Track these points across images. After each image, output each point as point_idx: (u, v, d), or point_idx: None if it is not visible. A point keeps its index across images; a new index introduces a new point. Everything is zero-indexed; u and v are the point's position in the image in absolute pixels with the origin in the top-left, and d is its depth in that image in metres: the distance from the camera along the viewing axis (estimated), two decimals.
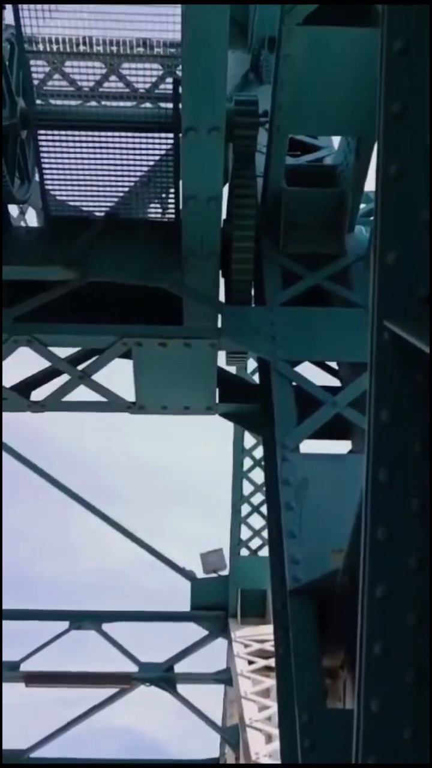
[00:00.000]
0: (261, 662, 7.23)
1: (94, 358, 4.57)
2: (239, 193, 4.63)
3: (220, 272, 4.73)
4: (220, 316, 4.56)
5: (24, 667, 8.53)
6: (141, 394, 4.59)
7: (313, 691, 2.92)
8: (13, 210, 5.35)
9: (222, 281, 4.86)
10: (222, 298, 4.76)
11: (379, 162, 1.88)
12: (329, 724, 2.79)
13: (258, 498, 8.80)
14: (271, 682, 6.72)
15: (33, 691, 9.08)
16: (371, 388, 1.93)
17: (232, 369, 5.57)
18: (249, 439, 8.71)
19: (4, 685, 8.71)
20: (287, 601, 3.23)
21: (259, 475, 8.81)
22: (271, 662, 7.34)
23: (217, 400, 4.68)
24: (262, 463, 8.74)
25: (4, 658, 8.51)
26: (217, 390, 4.73)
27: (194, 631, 9.04)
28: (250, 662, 7.32)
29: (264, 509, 8.85)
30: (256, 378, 5.54)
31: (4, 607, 8.90)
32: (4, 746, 10.70)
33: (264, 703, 6.32)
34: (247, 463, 8.78)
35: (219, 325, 4.53)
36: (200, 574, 8.93)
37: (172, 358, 4.39)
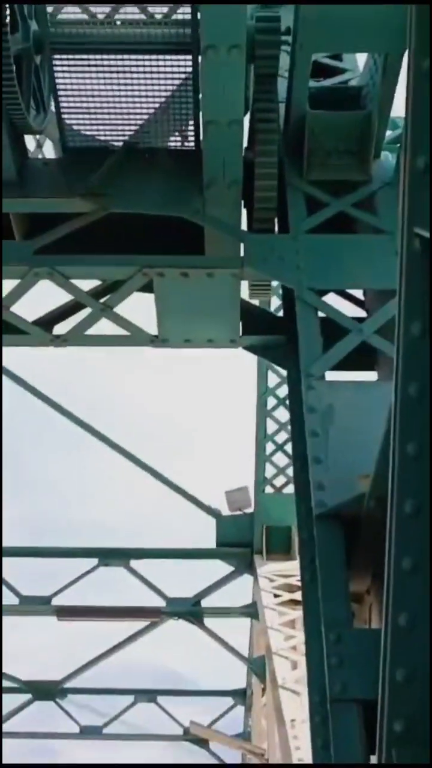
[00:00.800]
0: (286, 596, 7.35)
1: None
2: (262, 117, 4.47)
3: (242, 201, 4.61)
4: (242, 246, 4.45)
5: (55, 602, 8.77)
6: (163, 327, 4.53)
7: (340, 613, 2.94)
8: (30, 142, 5.24)
9: (244, 210, 4.74)
10: (244, 227, 4.65)
11: (410, 60, 1.77)
12: (356, 642, 2.82)
13: (282, 436, 8.81)
14: (296, 614, 6.84)
15: (66, 625, 9.36)
16: (401, 300, 1.86)
17: (255, 302, 5.48)
18: (272, 378, 8.68)
19: (38, 618, 9.00)
20: (313, 526, 3.23)
21: (282, 414, 8.80)
22: (296, 596, 7.46)
23: (240, 333, 4.61)
24: (286, 401, 8.75)
25: (37, 593, 8.77)
26: (241, 323, 4.66)
27: (220, 568, 9.21)
28: (276, 596, 7.44)
29: (288, 448, 8.87)
30: (279, 314, 5.49)
31: (36, 544, 9.14)
32: (40, 677, 11.15)
33: (290, 633, 6.45)
34: (271, 402, 8.77)
35: (242, 254, 4.43)
36: (225, 512, 9.03)
37: (195, 290, 4.32)
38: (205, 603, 8.95)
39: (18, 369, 8.36)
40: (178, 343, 4.62)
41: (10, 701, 11.63)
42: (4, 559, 8.92)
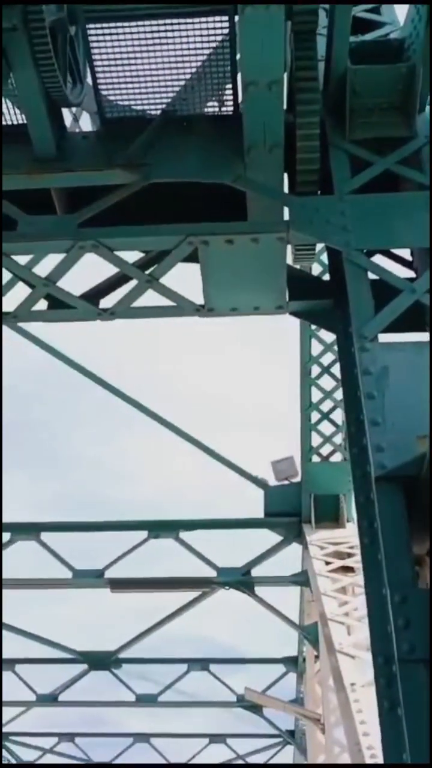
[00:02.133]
0: (337, 562, 7.35)
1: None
2: (301, 76, 4.37)
3: (284, 164, 4.52)
4: (286, 210, 4.38)
5: (108, 575, 8.91)
6: (209, 296, 4.50)
7: (404, 573, 2.92)
8: (67, 117, 5.21)
9: (286, 174, 4.65)
10: (287, 191, 4.57)
11: None
12: (422, 603, 2.80)
13: (327, 405, 8.75)
14: (348, 580, 6.85)
15: (119, 597, 9.50)
16: None
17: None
18: (316, 346, 8.61)
19: (93, 591, 9.16)
20: (371, 490, 3.20)
21: (327, 382, 8.73)
22: (347, 562, 7.46)
23: (287, 299, 4.55)
24: (330, 369, 8.68)
25: (89, 566, 8.92)
26: (287, 289, 4.60)
27: (269, 538, 9.24)
28: (327, 563, 7.45)
29: (333, 415, 8.81)
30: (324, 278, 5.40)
31: (88, 519, 9.27)
32: (95, 648, 11.40)
33: (343, 599, 6.47)
34: (315, 370, 8.70)
35: (286, 218, 4.36)
36: (272, 482, 9.03)
37: (240, 257, 4.26)
38: (255, 572, 9.00)
39: (65, 347, 8.42)
40: (224, 311, 4.59)
41: (67, 671, 11.95)
42: (58, 534, 9.10)
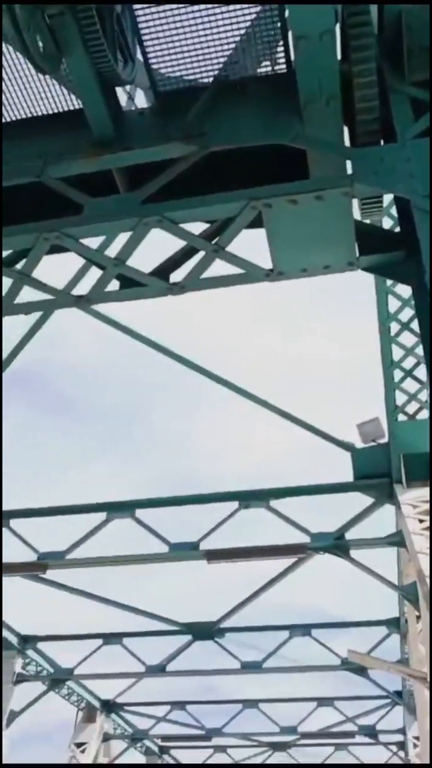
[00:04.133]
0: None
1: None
2: (354, 22, 4.23)
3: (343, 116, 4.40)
4: (349, 163, 4.28)
5: (203, 547, 9.06)
6: (278, 259, 4.46)
7: None
8: (121, 96, 5.24)
9: (345, 127, 4.53)
10: (347, 144, 4.46)
11: None
12: None
13: (410, 362, 8.53)
14: None
15: (216, 569, 9.67)
16: None
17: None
18: (393, 303, 8.39)
19: (190, 563, 9.35)
20: None
21: (407, 339, 8.51)
22: None
23: (357, 255, 4.46)
24: (410, 325, 8.45)
25: (185, 539, 9.10)
26: (357, 245, 4.51)
27: (360, 501, 9.15)
28: (420, 521, 7.31)
29: (417, 372, 8.59)
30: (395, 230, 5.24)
31: (180, 493, 9.44)
32: (197, 619, 11.68)
33: None
34: (394, 328, 8.48)
35: (349, 172, 4.26)
36: (359, 444, 8.91)
37: (305, 216, 4.20)
38: (349, 536, 8.95)
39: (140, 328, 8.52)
40: (294, 273, 4.54)
41: (172, 643, 12.32)
42: (152, 510, 9.30)
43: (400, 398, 8.62)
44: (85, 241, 4.71)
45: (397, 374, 8.61)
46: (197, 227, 4.71)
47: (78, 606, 11.08)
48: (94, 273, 4.99)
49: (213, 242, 4.48)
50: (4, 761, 11.85)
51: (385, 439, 8.75)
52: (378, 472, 8.74)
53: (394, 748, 16.69)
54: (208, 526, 9.28)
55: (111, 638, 12.53)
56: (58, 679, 13.21)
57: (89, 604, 10.79)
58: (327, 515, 9.47)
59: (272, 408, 8.73)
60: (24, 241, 4.61)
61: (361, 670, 12.35)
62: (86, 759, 14.61)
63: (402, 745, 16.38)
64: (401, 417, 8.69)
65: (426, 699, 8.65)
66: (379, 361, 8.65)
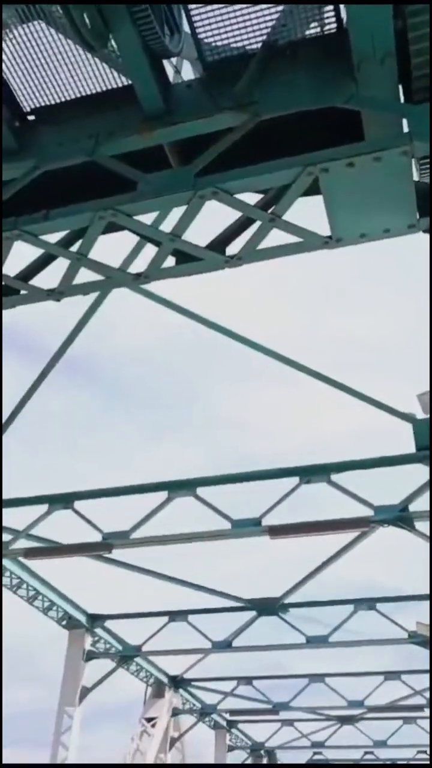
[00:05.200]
0: None
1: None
2: None
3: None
4: (406, 122, 4.15)
5: (265, 522, 9.06)
6: (336, 225, 4.37)
7: None
8: (169, 70, 5.19)
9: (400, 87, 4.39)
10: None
11: None
12: None
13: None
14: None
15: (280, 545, 9.66)
16: None
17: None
18: None
19: (254, 541, 9.37)
20: None
21: None
22: None
23: (417, 217, 4.34)
24: None
25: (247, 515, 9.12)
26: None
27: (422, 473, 8.99)
28: None
29: None
30: None
31: (237, 470, 9.45)
32: (262, 594, 11.73)
33: None
34: None
35: (405, 130, 4.13)
36: (420, 415, 8.74)
37: (363, 179, 4.10)
38: (413, 508, 8.82)
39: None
40: (353, 239, 4.44)
41: (236, 619, 12.41)
42: (213, 488, 9.33)
43: None
44: (140, 219, 4.70)
45: None
46: (252, 198, 4.66)
47: (143, 585, 11.27)
48: (149, 251, 4.99)
49: (269, 212, 4.41)
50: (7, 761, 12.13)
51: None
52: None
53: None
54: (270, 503, 9.27)
55: (177, 615, 12.70)
56: (126, 656, 13.49)
57: (154, 583, 10.96)
58: (390, 490, 9.36)
59: (330, 381, 8.60)
60: (79, 221, 4.63)
61: (427, 644, 12.24)
62: (156, 733, 14.92)
63: None
64: None
65: None
66: None
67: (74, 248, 4.84)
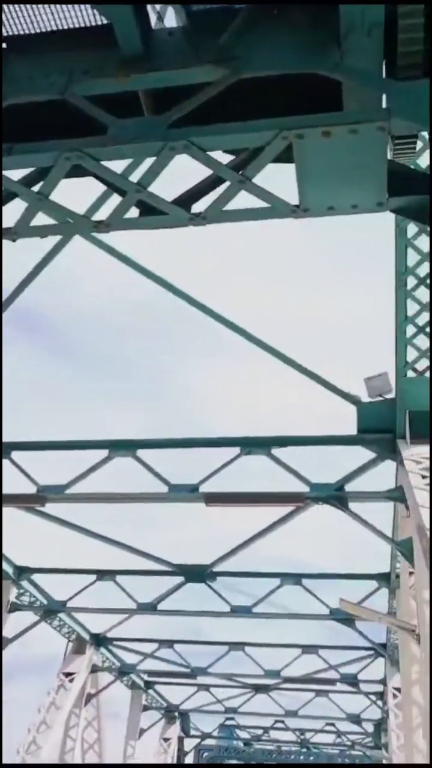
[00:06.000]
0: None
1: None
2: None
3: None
4: (385, 98, 4.10)
5: (203, 489, 9.09)
6: (305, 195, 4.32)
7: None
8: (152, 16, 5.02)
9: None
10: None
11: None
12: None
13: (424, 318, 8.41)
14: None
15: (214, 514, 9.73)
16: None
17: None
18: (412, 257, 8.23)
19: (190, 510, 9.40)
20: None
21: (423, 294, 8.38)
22: None
23: (387, 196, 4.32)
24: (427, 281, 8.31)
25: (186, 481, 9.13)
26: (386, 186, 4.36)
27: (362, 455, 9.15)
28: (423, 477, 7.32)
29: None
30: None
31: (180, 435, 9.44)
32: (191, 561, 11.81)
33: None
34: (411, 282, 8.34)
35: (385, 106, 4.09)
36: (366, 398, 8.86)
37: (338, 150, 4.05)
38: (349, 488, 8.98)
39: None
40: (320, 211, 4.40)
41: (164, 583, 12.50)
42: (154, 451, 9.30)
43: (411, 354, 8.53)
44: (107, 166, 4.56)
45: (410, 330, 8.50)
46: (224, 159, 4.56)
47: (74, 542, 11.22)
48: (114, 201, 4.86)
49: (239, 173, 4.33)
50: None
51: (392, 395, 8.69)
52: (382, 427, 8.71)
53: (373, 697, 17.17)
54: (210, 470, 9.29)
55: (105, 575, 12.72)
56: (50, 610, 13.46)
57: (85, 540, 10.91)
58: (328, 471, 9.50)
59: (280, 356, 8.64)
60: (44, 160, 4.46)
61: (348, 621, 12.57)
62: (74, 688, 15.00)
63: (381, 695, 16.84)
64: (410, 373, 8.60)
65: (413, 652, 8.81)
66: (393, 316, 8.54)
67: (35, 188, 4.67)
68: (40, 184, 4.71)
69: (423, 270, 8.25)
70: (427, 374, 8.57)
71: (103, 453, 9.37)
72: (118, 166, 4.74)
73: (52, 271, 7.97)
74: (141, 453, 9.32)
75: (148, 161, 4.40)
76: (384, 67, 4.31)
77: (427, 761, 8.33)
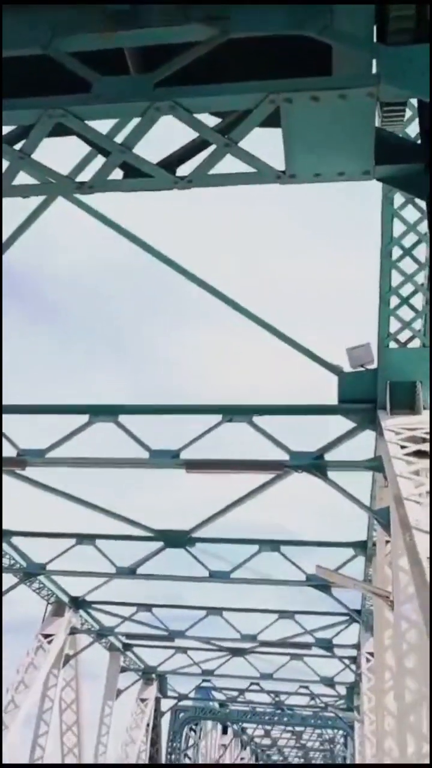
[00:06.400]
0: (412, 447, 7.27)
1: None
2: None
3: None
4: (375, 63, 4.04)
5: (184, 456, 9.12)
6: (291, 160, 4.27)
7: None
8: None
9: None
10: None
11: None
12: None
13: (408, 288, 8.41)
14: (423, 464, 6.79)
15: (194, 481, 9.76)
16: None
17: None
18: (398, 227, 8.20)
19: (169, 474, 9.43)
20: None
21: (408, 265, 8.37)
22: (423, 447, 7.38)
23: (374, 163, 4.28)
24: (413, 251, 8.30)
25: (166, 447, 9.15)
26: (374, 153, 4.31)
27: (342, 425, 9.20)
28: (402, 447, 7.39)
29: (414, 301, 8.50)
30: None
31: (162, 402, 9.43)
32: (172, 527, 11.90)
33: (419, 480, 6.44)
34: (396, 252, 8.32)
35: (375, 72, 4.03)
36: (347, 368, 8.89)
37: (326, 115, 3.99)
38: (328, 457, 9.05)
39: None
40: (306, 177, 4.35)
41: (144, 548, 12.61)
42: (135, 417, 9.29)
43: (394, 325, 8.55)
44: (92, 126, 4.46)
45: (394, 301, 8.50)
46: (210, 122, 4.49)
47: (54, 506, 11.25)
48: (99, 163, 4.77)
49: (225, 136, 4.27)
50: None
51: (373, 365, 8.72)
52: (363, 397, 8.75)
53: (347, 661, 17.55)
54: (192, 437, 9.30)
55: (84, 539, 12.80)
56: (30, 573, 13.55)
57: (65, 505, 10.95)
58: (308, 440, 9.56)
59: (263, 324, 8.62)
60: (26, 117, 4.36)
61: (324, 588, 12.79)
62: (52, 649, 15.18)
63: (354, 660, 17.21)
64: (392, 344, 8.64)
65: (386, 617, 8.99)
66: (377, 287, 8.53)
67: (17, 147, 4.57)
68: (23, 142, 4.62)
69: (408, 241, 8.23)
70: (410, 345, 8.61)
71: (84, 418, 9.35)
72: (102, 127, 4.65)
73: (34, 235, 7.87)
74: (123, 419, 9.31)
75: (134, 122, 4.32)
76: (375, 32, 4.25)
77: (396, 723, 8.56)
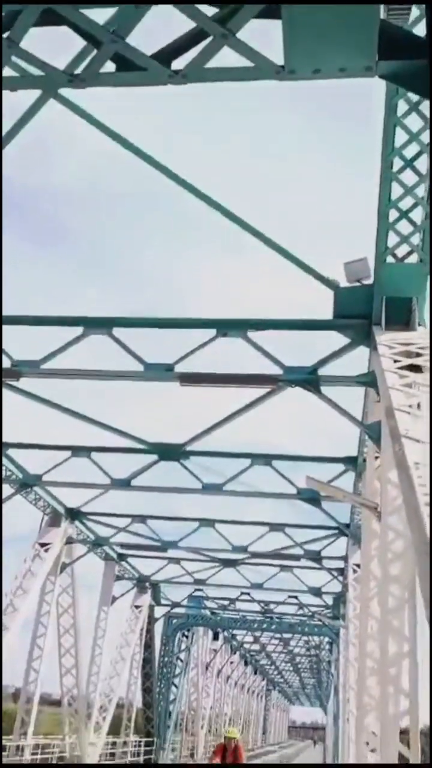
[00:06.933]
0: (406, 361, 7.28)
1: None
2: None
3: None
4: None
5: (178, 369, 9.13)
6: (291, 55, 4.08)
7: None
8: None
9: None
10: None
11: None
12: None
13: (408, 202, 8.21)
14: (416, 377, 6.82)
15: (189, 395, 9.81)
16: None
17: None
18: (400, 136, 7.94)
19: (164, 387, 9.47)
20: None
21: (409, 177, 8.15)
22: (417, 361, 7.39)
23: (376, 59, 4.10)
24: (414, 163, 8.06)
25: (160, 360, 9.16)
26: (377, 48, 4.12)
27: (337, 340, 9.19)
28: (395, 361, 7.40)
29: (413, 215, 8.32)
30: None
31: (159, 315, 9.38)
32: (166, 440, 12.06)
33: (411, 392, 6.49)
34: (397, 164, 8.08)
35: None
36: (344, 283, 8.80)
37: (327, 9, 3.79)
38: (322, 372, 9.08)
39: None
40: (306, 73, 4.18)
41: (139, 461, 12.82)
42: (129, 330, 9.25)
43: (392, 240, 8.40)
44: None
45: (393, 214, 8.32)
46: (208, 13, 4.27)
47: (49, 418, 11.35)
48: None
49: (223, 26, 4.07)
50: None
51: (370, 281, 8.63)
52: (358, 312, 8.69)
53: (334, 572, 18.16)
54: (187, 350, 9.29)
55: (80, 451, 12.97)
56: (26, 483, 13.80)
57: (60, 417, 11.04)
58: (303, 352, 9.57)
59: (259, 235, 8.46)
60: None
61: (314, 501, 13.09)
62: (49, 557, 15.65)
63: (342, 571, 17.80)
64: (390, 259, 8.51)
65: (374, 528, 9.24)
66: (376, 199, 8.34)
67: (5, 35, 4.36)
68: (9, 31, 4.40)
69: (410, 151, 7.99)
70: (407, 261, 8.50)
71: (78, 330, 9.31)
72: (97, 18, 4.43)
73: (25, 148, 7.61)
74: (117, 332, 9.27)
75: (127, 10, 4.11)
76: None
77: (379, 626, 8.93)
